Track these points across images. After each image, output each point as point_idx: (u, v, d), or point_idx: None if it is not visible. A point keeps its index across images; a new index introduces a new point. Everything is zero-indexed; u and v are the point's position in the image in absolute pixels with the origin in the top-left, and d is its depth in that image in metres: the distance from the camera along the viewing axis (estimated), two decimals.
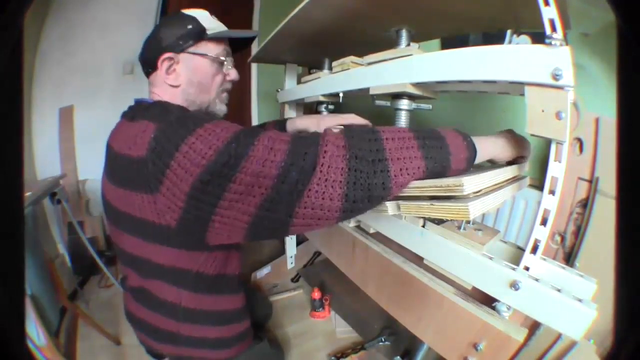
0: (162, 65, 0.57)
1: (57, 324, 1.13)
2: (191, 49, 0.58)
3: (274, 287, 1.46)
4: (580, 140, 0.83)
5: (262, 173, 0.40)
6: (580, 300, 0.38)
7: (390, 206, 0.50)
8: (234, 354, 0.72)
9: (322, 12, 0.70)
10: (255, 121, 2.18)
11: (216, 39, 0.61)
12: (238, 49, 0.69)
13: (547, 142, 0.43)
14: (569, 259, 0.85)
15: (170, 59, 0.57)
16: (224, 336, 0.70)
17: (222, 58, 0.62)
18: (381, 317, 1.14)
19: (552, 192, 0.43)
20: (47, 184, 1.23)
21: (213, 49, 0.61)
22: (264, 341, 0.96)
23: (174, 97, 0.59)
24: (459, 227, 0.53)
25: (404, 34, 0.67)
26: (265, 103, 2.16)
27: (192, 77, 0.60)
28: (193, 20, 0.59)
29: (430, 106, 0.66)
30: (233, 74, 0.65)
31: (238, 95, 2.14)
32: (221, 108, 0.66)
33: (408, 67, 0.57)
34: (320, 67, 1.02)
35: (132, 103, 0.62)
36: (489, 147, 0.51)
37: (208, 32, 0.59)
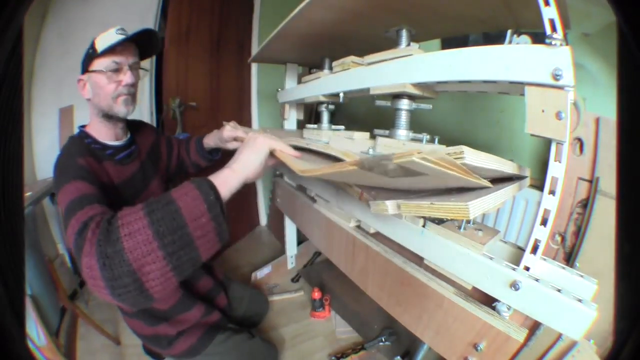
0: (79, 84, 0.76)
1: (57, 324, 1.13)
2: (90, 68, 0.73)
3: (274, 287, 1.46)
4: (580, 140, 0.83)
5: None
6: (580, 301, 0.38)
7: (390, 206, 0.49)
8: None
9: (322, 13, 0.70)
10: (255, 121, 2.18)
11: (105, 53, 0.71)
12: (147, 50, 0.81)
13: (547, 142, 0.43)
14: (569, 259, 0.85)
15: (81, 79, 0.75)
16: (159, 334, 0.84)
17: (110, 70, 0.73)
18: (381, 317, 1.14)
19: (552, 192, 0.43)
20: (47, 184, 1.23)
21: (103, 64, 0.72)
22: (255, 338, 0.96)
23: (91, 106, 0.77)
24: (459, 227, 0.53)
25: (404, 34, 0.67)
26: (265, 103, 2.15)
27: (94, 90, 0.74)
28: (91, 44, 0.73)
29: (430, 106, 0.66)
30: (127, 78, 0.75)
31: (238, 95, 2.14)
32: (120, 110, 0.76)
33: (408, 67, 0.57)
34: (320, 67, 1.02)
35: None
36: (231, 177, 0.56)
37: (98, 51, 0.71)
